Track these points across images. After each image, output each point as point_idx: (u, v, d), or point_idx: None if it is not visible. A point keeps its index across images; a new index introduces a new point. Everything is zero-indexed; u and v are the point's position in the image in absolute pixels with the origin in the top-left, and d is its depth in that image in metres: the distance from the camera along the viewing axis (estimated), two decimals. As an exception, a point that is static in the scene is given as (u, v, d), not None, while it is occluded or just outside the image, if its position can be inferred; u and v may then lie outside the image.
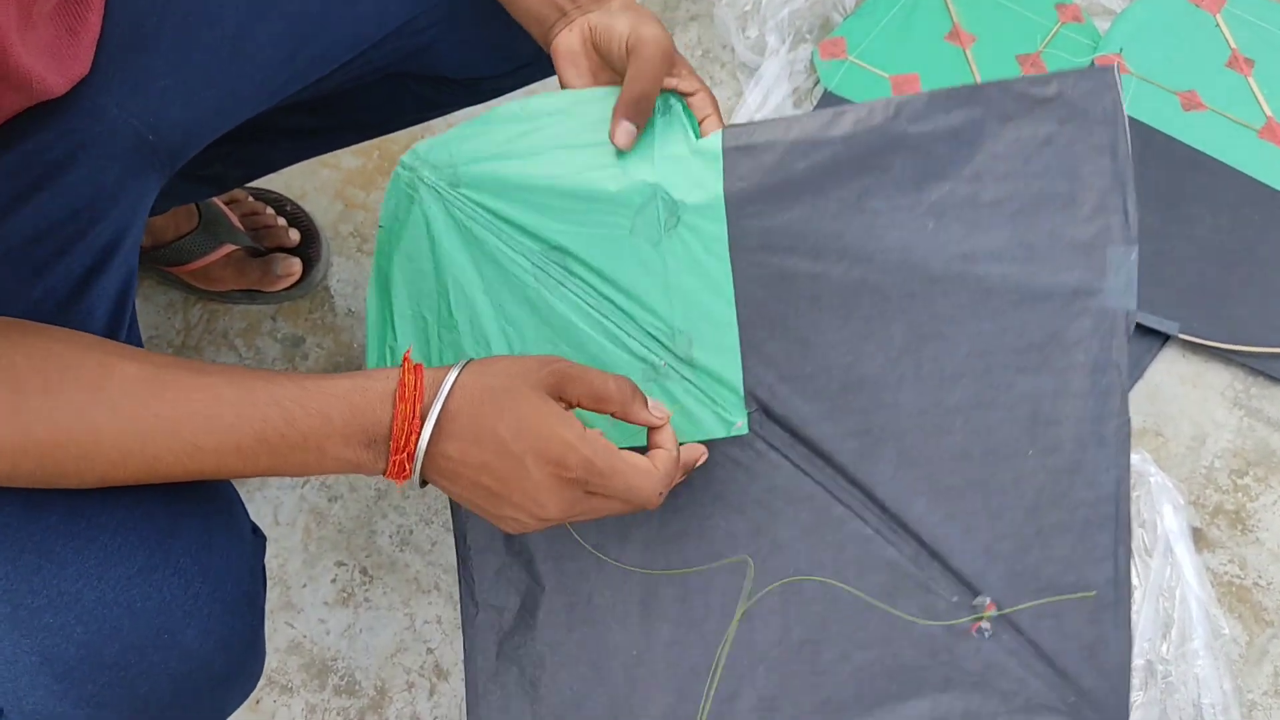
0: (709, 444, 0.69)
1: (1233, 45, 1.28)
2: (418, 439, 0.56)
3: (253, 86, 0.81)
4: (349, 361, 1.12)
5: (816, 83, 1.26)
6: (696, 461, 0.67)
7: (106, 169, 0.73)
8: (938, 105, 0.69)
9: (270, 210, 1.16)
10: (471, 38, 0.81)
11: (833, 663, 0.70)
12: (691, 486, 0.71)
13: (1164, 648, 0.96)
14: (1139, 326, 1.12)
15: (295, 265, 1.13)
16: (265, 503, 1.05)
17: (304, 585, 1.02)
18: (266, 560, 1.02)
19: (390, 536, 1.04)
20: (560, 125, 0.71)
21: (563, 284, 0.70)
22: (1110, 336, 0.71)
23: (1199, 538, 1.03)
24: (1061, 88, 0.69)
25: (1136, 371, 1.11)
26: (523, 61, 0.86)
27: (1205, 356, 1.12)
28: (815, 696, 0.70)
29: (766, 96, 1.25)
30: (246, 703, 0.95)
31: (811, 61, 1.28)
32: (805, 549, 0.70)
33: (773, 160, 0.70)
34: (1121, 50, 1.27)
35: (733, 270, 0.70)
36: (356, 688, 0.98)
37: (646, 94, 0.69)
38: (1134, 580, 1.00)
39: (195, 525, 0.61)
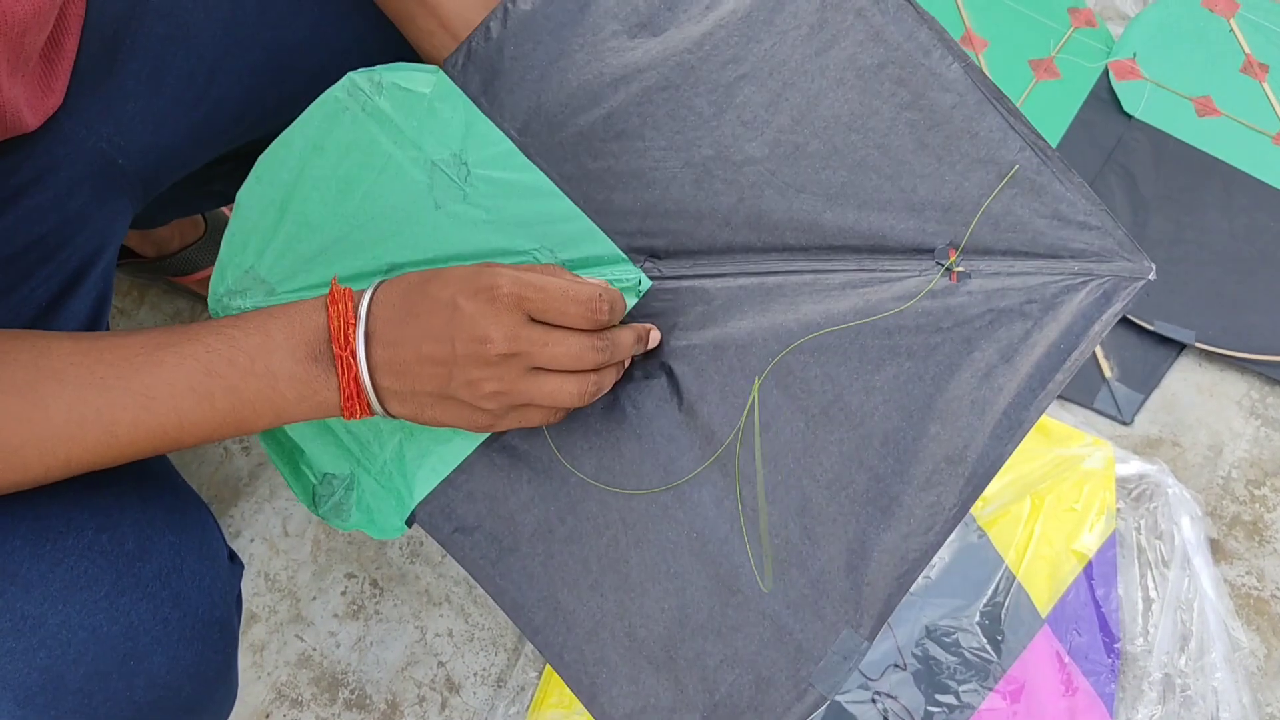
0: (638, 318, 0.68)
1: (1247, 50, 1.28)
2: (355, 330, 0.56)
3: (230, 116, 0.80)
4: (358, 371, 1.11)
5: (828, 88, 1.26)
6: (651, 336, 0.65)
7: (74, 193, 0.71)
8: None
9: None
10: None
11: (862, 406, 0.66)
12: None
13: (1182, 660, 0.95)
14: (1155, 335, 1.11)
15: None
16: (274, 514, 1.04)
17: (313, 598, 1.01)
18: (275, 574, 1.01)
19: (400, 548, 1.03)
20: (320, 163, 0.70)
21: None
22: None
23: (1216, 549, 1.02)
24: None
25: (1153, 381, 1.11)
26: None
27: (1221, 365, 1.11)
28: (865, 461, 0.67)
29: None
30: (254, 715, 0.94)
31: (822, 67, 1.27)
32: (766, 334, 0.68)
33: (502, 58, 0.69)
34: (1135, 55, 1.26)
35: (541, 167, 0.69)
36: (367, 701, 0.97)
37: None
38: (1151, 593, 0.99)
39: (166, 549, 0.59)
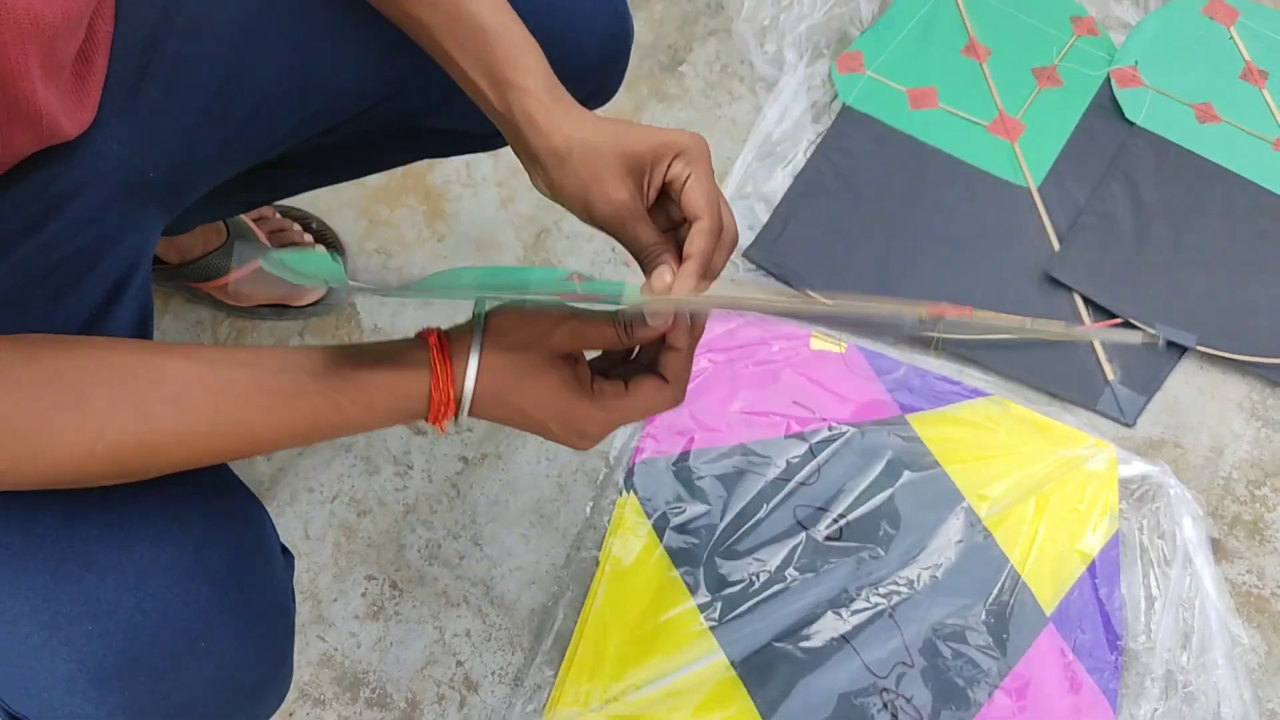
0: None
1: (1247, 58, 1.30)
2: (454, 416, 0.61)
3: (255, 132, 0.82)
4: (376, 377, 1.13)
5: (834, 97, 1.28)
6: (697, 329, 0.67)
7: (110, 205, 0.74)
8: None
9: (297, 226, 1.17)
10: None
11: None
12: None
13: (1184, 658, 0.98)
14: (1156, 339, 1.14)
15: None
16: (295, 518, 1.07)
17: (334, 599, 1.04)
18: (298, 575, 1.04)
19: (419, 551, 1.05)
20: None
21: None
22: None
23: (1217, 548, 1.05)
24: None
25: (1155, 383, 1.13)
26: None
27: (1222, 368, 1.13)
28: None
29: (785, 111, 1.27)
30: (277, 715, 0.97)
31: (829, 76, 1.29)
32: None
33: None
34: (1136, 63, 1.29)
35: None
36: (388, 700, 1.00)
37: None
38: (1153, 591, 1.01)
39: (230, 538, 0.62)
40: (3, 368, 0.56)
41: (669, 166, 0.65)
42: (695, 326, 0.66)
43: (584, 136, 0.65)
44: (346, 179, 0.96)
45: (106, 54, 0.74)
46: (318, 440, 0.61)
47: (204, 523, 0.61)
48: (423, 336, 0.63)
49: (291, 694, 1.00)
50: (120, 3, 0.73)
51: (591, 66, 0.84)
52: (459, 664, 1.01)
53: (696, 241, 0.64)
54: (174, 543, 0.60)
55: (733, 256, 1.17)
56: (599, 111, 0.74)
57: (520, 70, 0.68)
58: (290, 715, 1.00)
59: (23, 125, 0.65)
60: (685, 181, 0.64)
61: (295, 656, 0.97)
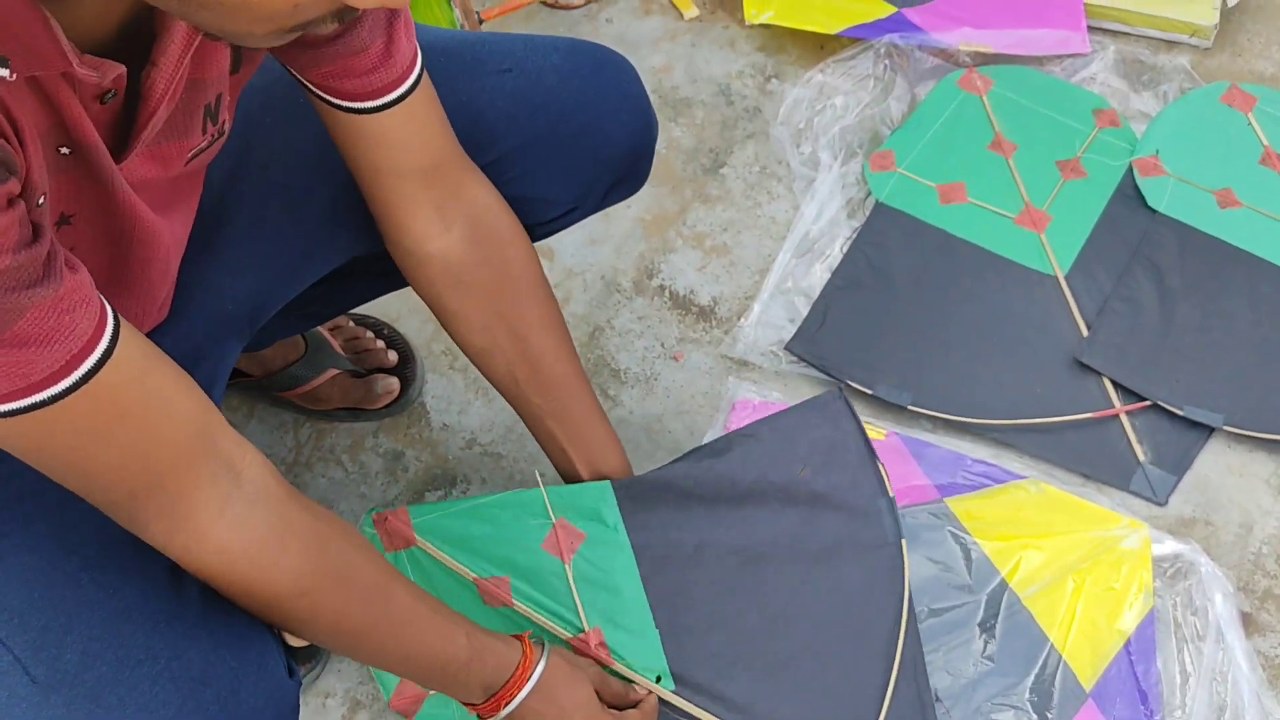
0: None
1: (1265, 143, 1.35)
2: (509, 702, 0.84)
3: (320, 247, 0.93)
4: (445, 473, 1.22)
5: (868, 194, 1.35)
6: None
7: (190, 335, 0.85)
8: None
9: (370, 334, 1.26)
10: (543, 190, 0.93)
11: None
12: None
13: (1219, 732, 1.02)
14: (1185, 420, 1.19)
15: (394, 384, 1.23)
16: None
17: None
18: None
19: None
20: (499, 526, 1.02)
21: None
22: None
23: (1249, 622, 1.09)
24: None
25: (1185, 463, 1.18)
26: (568, 206, 0.96)
27: (1250, 446, 1.18)
28: None
29: (821, 209, 1.35)
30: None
31: (863, 174, 1.37)
32: None
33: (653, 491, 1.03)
34: (1158, 152, 1.35)
35: (642, 571, 1.00)
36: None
37: None
38: (1187, 667, 1.06)
39: (227, 674, 0.70)
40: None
41: None
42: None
43: None
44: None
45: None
46: (432, 682, 0.86)
47: (203, 659, 0.69)
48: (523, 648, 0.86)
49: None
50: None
51: (619, 157, 0.95)
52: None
53: None
54: (173, 680, 0.68)
55: (777, 350, 1.25)
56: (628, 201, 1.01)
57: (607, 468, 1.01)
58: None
59: (146, 326, 0.78)
60: None
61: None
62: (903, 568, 1.04)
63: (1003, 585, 1.10)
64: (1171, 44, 1.47)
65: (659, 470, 1.06)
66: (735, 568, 1.02)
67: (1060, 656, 1.07)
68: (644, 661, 0.98)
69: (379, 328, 1.28)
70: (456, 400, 1.27)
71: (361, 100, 0.76)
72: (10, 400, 0.55)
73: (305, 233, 0.90)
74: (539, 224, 0.96)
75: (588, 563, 1.00)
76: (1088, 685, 1.05)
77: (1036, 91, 1.41)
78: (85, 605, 0.68)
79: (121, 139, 0.64)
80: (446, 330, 0.93)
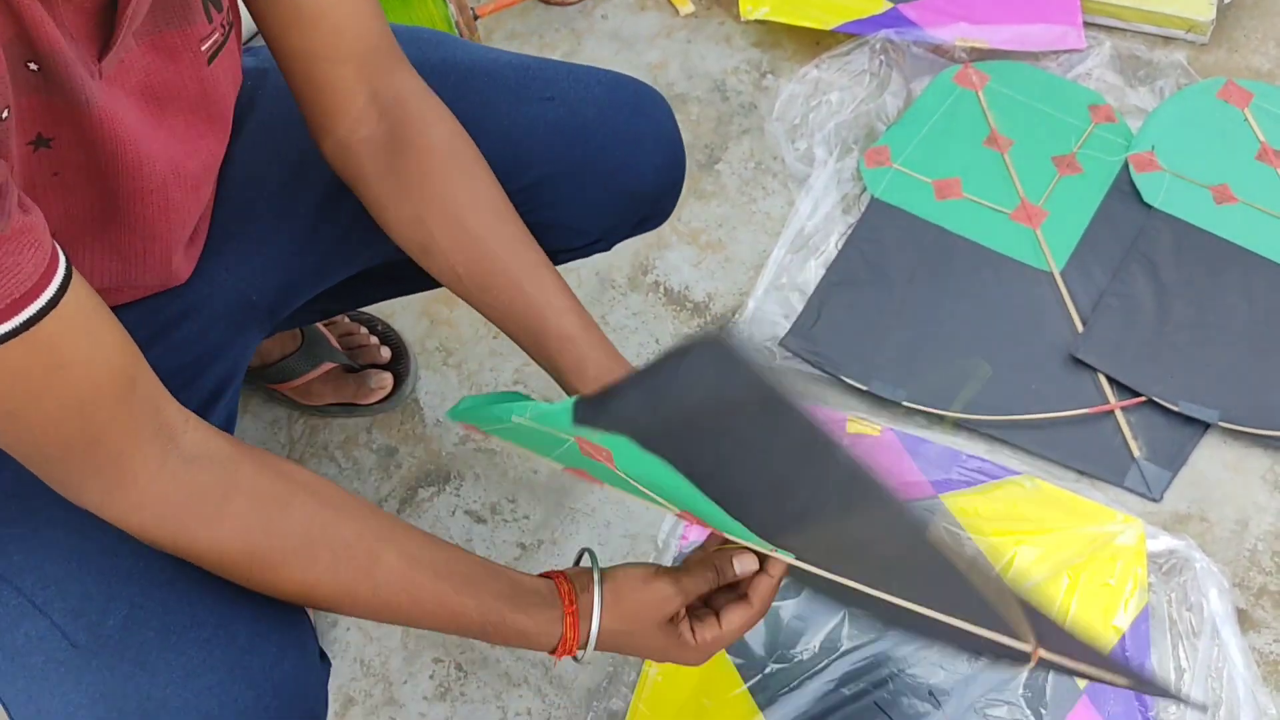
0: None
1: (1261, 138, 1.35)
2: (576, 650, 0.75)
3: (346, 250, 0.92)
4: (438, 469, 1.21)
5: (863, 190, 1.35)
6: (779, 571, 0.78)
7: (213, 326, 0.84)
8: None
9: (364, 330, 1.26)
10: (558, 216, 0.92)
11: None
12: None
13: (1214, 728, 1.02)
14: (1180, 415, 1.18)
15: (387, 380, 1.23)
16: (367, 604, 1.15)
17: (404, 681, 1.11)
18: (370, 659, 1.11)
19: (482, 633, 1.12)
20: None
21: None
22: None
23: (1244, 618, 1.09)
24: None
25: (1180, 459, 1.17)
26: (594, 238, 0.96)
27: (1246, 442, 1.18)
28: None
29: (817, 205, 1.34)
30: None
31: (858, 170, 1.36)
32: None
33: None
34: (1154, 147, 1.34)
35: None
36: (456, 777, 1.07)
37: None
38: (1182, 663, 1.05)
39: (271, 647, 0.69)
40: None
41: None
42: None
43: None
44: (426, 289, 1.03)
45: (213, 189, 0.84)
46: (473, 635, 0.74)
47: (249, 630, 0.69)
48: (554, 583, 0.75)
49: (367, 772, 1.07)
50: (232, 143, 0.82)
51: (648, 194, 0.94)
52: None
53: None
54: (220, 648, 0.67)
55: (772, 346, 1.25)
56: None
57: (585, 383, 0.80)
58: (366, 793, 1.07)
59: (157, 275, 0.76)
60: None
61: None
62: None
63: (997, 581, 1.10)
64: (1168, 39, 1.46)
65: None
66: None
67: (1055, 653, 1.06)
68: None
69: (373, 324, 1.28)
70: (450, 396, 1.26)
71: None
72: None
73: (329, 237, 0.90)
74: (563, 250, 0.96)
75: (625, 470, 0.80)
76: (1082, 683, 1.05)
77: (1032, 87, 1.41)
78: (125, 575, 0.67)
79: (106, 37, 0.61)
80: (388, 232, 0.83)
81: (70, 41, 0.59)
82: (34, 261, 0.54)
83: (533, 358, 0.82)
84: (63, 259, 0.56)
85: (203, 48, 0.69)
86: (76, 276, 0.57)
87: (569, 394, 0.83)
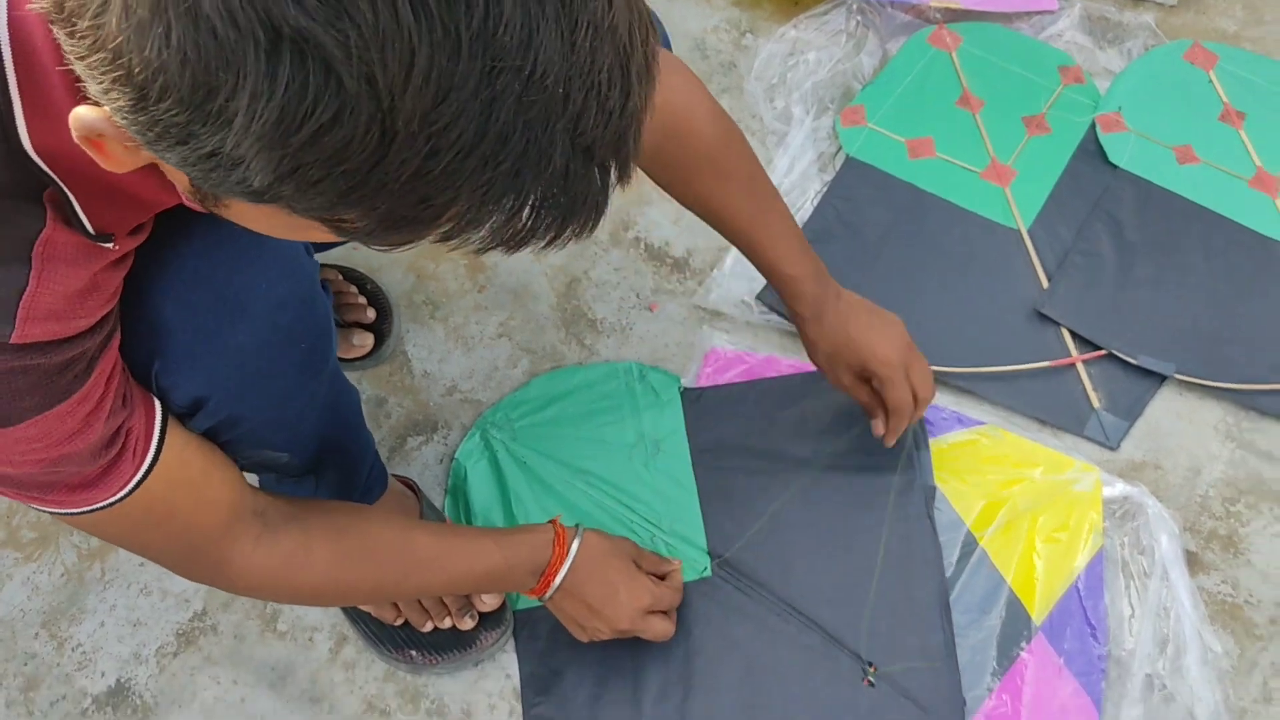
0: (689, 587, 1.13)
1: (1225, 100, 1.39)
2: (557, 575, 0.99)
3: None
4: (425, 419, 1.26)
5: (839, 148, 1.39)
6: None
7: None
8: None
9: (354, 289, 1.30)
10: None
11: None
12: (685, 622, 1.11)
13: (1161, 663, 1.08)
14: (1138, 368, 1.23)
15: (368, 339, 1.27)
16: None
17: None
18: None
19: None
20: (583, 396, 1.23)
21: (589, 493, 1.18)
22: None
23: (1195, 561, 1.15)
24: None
25: (1137, 410, 1.23)
26: None
27: (1200, 394, 1.23)
28: None
29: (793, 163, 1.38)
30: (353, 727, 1.09)
31: (834, 129, 1.40)
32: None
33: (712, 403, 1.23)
34: (1120, 108, 1.38)
35: (696, 473, 1.19)
36: (446, 710, 1.12)
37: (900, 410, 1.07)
38: (1134, 602, 1.11)
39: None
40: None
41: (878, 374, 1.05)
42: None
43: (826, 348, 1.06)
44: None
45: None
46: (486, 588, 1.06)
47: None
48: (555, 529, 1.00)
49: (360, 706, 1.12)
50: None
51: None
52: (507, 677, 1.13)
53: (891, 421, 1.09)
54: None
55: (748, 300, 1.29)
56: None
57: (792, 266, 1.03)
58: (359, 725, 1.12)
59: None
60: (885, 389, 1.06)
61: (362, 672, 1.10)
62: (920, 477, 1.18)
63: (960, 526, 1.15)
64: (1137, 1, 1.50)
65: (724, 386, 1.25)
66: (773, 470, 1.19)
67: (1013, 593, 1.12)
68: (690, 548, 1.16)
69: (362, 282, 1.31)
70: (437, 349, 1.30)
71: None
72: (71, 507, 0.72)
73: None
74: None
75: (657, 465, 1.20)
76: (1039, 619, 1.11)
77: (1004, 48, 1.44)
78: None
79: None
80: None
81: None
82: (133, 466, 0.72)
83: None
84: (157, 429, 0.73)
85: None
86: (169, 433, 0.74)
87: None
